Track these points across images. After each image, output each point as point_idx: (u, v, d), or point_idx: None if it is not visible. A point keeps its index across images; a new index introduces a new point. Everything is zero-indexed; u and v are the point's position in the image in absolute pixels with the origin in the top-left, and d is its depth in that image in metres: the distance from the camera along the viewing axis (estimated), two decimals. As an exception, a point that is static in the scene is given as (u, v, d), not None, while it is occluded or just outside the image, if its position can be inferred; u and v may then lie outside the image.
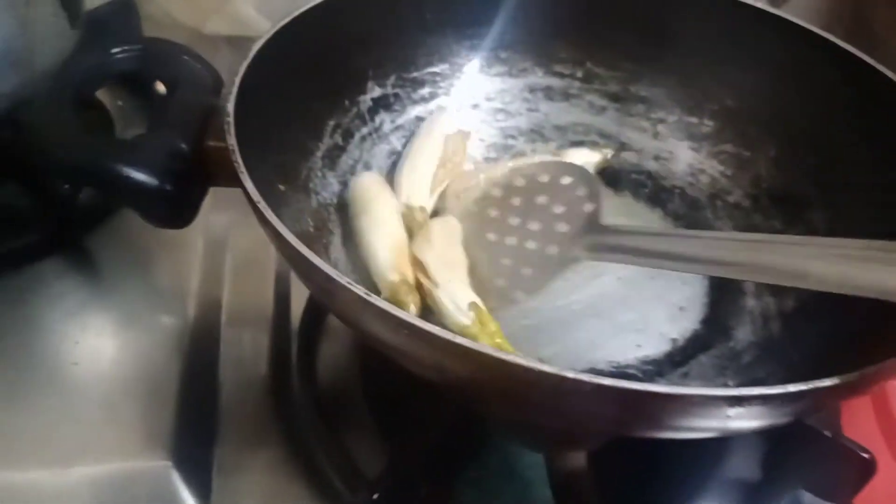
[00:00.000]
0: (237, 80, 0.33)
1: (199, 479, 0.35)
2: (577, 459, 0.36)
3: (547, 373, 0.23)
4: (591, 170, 0.44)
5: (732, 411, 0.24)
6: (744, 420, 0.25)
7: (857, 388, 0.26)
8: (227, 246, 0.45)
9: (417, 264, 0.37)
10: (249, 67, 0.34)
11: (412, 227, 0.39)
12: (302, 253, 0.26)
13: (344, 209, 0.40)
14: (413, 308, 0.35)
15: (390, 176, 0.42)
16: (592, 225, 0.37)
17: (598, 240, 0.36)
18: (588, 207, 0.38)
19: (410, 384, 0.34)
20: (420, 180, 0.41)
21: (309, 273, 0.27)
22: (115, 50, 0.36)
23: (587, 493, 0.35)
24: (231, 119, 0.31)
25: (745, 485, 0.37)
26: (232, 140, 0.30)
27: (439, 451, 0.36)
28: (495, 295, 0.37)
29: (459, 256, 0.38)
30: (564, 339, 0.37)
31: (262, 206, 0.28)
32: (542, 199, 0.39)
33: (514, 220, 0.39)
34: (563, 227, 0.38)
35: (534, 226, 0.39)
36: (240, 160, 0.29)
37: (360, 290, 0.25)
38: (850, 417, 0.41)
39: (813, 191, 0.40)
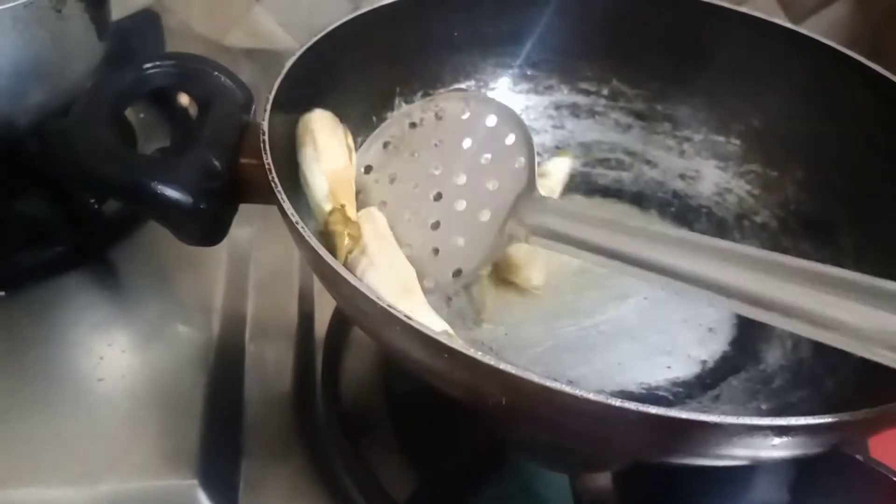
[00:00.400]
0: (271, 98, 0.33)
1: (226, 497, 0.35)
2: (602, 480, 0.36)
3: (591, 400, 0.23)
4: (565, 177, 0.43)
5: (778, 441, 0.23)
6: (786, 449, 0.25)
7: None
8: (251, 261, 0.45)
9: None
10: (282, 84, 0.34)
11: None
12: (339, 272, 0.26)
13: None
14: (348, 240, 0.33)
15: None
16: (530, 194, 0.34)
17: (542, 220, 0.33)
18: (520, 162, 0.35)
19: (436, 402, 0.33)
20: None
21: (345, 293, 0.27)
22: (147, 65, 0.36)
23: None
24: (266, 136, 0.31)
25: (771, 506, 0.37)
26: (268, 159, 0.30)
27: (463, 472, 0.36)
28: (425, 266, 0.34)
29: (407, 269, 0.34)
30: (592, 360, 0.36)
31: (301, 225, 0.28)
32: (466, 143, 0.36)
33: (436, 169, 0.36)
34: (492, 184, 0.35)
35: (460, 179, 0.36)
36: (276, 179, 0.29)
37: (399, 313, 0.25)
38: (876, 440, 0.41)
39: (842, 214, 0.39)
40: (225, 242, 0.42)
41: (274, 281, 0.44)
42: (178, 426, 0.36)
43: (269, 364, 0.40)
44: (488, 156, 0.36)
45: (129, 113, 0.51)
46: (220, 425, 0.37)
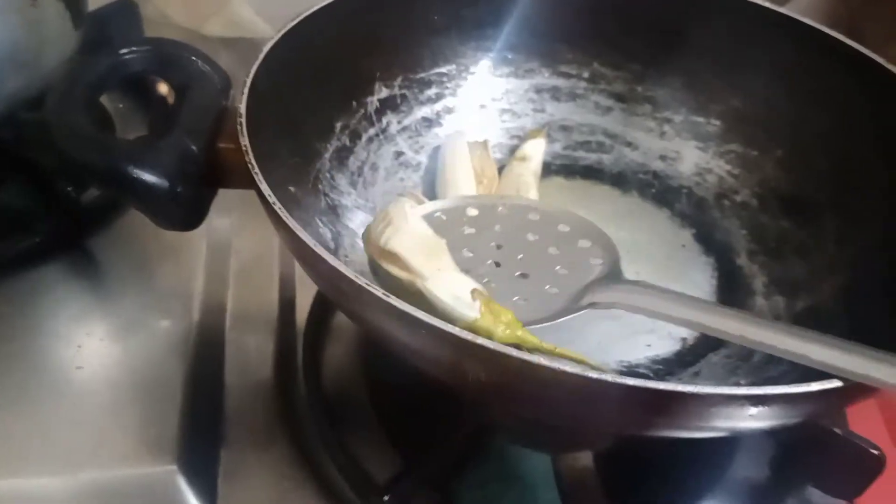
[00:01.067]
0: (248, 81, 0.33)
1: (205, 483, 0.35)
2: (584, 459, 0.36)
3: (568, 373, 0.23)
4: (542, 157, 0.43)
5: (755, 410, 0.24)
6: (764, 419, 0.25)
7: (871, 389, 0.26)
8: (231, 249, 0.45)
9: (390, 258, 0.32)
10: (260, 68, 0.34)
11: None
12: (319, 254, 0.26)
13: (353, 209, 0.39)
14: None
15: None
16: (611, 279, 0.33)
17: (622, 298, 0.32)
18: (596, 261, 0.34)
19: (417, 387, 0.33)
20: None
21: (325, 275, 0.27)
22: (123, 51, 0.36)
23: (595, 492, 0.35)
24: (243, 119, 0.31)
25: (754, 482, 0.38)
26: (245, 141, 0.30)
27: (446, 456, 0.36)
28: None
29: (435, 238, 0.33)
30: (574, 340, 0.36)
31: (278, 207, 0.27)
32: (531, 237, 0.35)
33: (493, 244, 0.35)
34: (562, 271, 0.34)
35: (523, 258, 0.34)
36: (254, 161, 0.29)
37: (377, 291, 0.25)
38: (855, 413, 0.41)
39: (823, 194, 0.40)
40: (204, 230, 0.42)
41: (254, 269, 0.44)
42: (157, 414, 0.36)
43: (250, 351, 0.40)
44: (555, 249, 0.35)
45: (107, 102, 0.51)
46: (200, 413, 0.37)
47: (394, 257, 0.31)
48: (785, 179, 0.42)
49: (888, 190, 0.37)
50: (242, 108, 0.32)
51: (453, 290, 0.31)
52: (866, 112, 0.39)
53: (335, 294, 0.29)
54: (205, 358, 0.39)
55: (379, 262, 0.32)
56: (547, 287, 0.33)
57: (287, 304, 0.42)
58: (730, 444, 0.38)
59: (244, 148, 0.30)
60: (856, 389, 0.24)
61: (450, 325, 0.24)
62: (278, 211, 0.27)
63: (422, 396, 0.36)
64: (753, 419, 0.25)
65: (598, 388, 0.23)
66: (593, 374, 0.23)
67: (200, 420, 0.36)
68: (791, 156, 0.42)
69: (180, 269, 0.42)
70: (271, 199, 0.28)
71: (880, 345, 0.27)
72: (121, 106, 0.51)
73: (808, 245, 0.39)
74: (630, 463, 0.37)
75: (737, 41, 0.43)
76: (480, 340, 0.23)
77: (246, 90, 0.32)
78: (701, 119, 0.45)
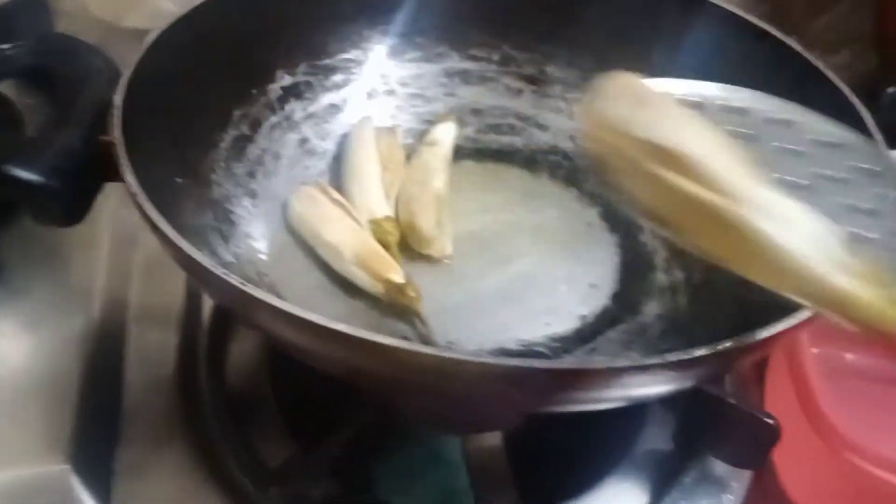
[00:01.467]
0: (127, 73, 0.32)
1: (101, 482, 0.34)
2: (493, 439, 0.36)
3: (423, 353, 0.23)
4: (453, 141, 0.43)
5: (616, 382, 0.24)
6: (638, 388, 0.26)
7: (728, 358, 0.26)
8: (138, 243, 0.44)
9: (662, 160, 0.20)
10: (143, 59, 0.34)
11: (387, 241, 0.38)
12: (180, 246, 0.26)
13: (249, 199, 0.39)
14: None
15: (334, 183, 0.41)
16: None
17: None
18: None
19: (321, 381, 0.33)
20: (372, 191, 0.40)
21: (191, 267, 0.27)
22: (5, 46, 0.35)
23: (502, 472, 0.35)
24: (118, 112, 0.31)
25: (657, 455, 0.38)
26: (117, 132, 0.30)
27: (351, 444, 0.36)
28: None
29: (727, 136, 0.23)
30: (475, 323, 0.36)
31: (141, 197, 0.27)
32: (777, 145, 0.27)
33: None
34: (853, 202, 0.24)
35: (781, 178, 0.24)
36: (122, 153, 0.29)
37: (234, 280, 0.25)
38: (767, 385, 0.42)
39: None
40: (108, 224, 0.41)
41: (160, 262, 0.43)
42: (52, 412, 0.35)
43: (153, 347, 0.40)
44: (821, 168, 0.26)
45: (17, 96, 0.49)
46: (97, 410, 0.36)
47: (672, 160, 0.20)
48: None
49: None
50: (118, 99, 0.31)
51: (811, 230, 0.20)
52: (776, 91, 0.39)
53: (203, 287, 0.28)
54: (104, 354, 0.38)
55: (638, 159, 0.21)
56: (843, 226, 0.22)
57: (193, 298, 0.42)
58: (635, 418, 0.39)
59: (114, 141, 0.29)
60: (714, 358, 0.25)
61: (319, 317, 0.23)
62: (140, 202, 0.27)
63: (325, 390, 0.36)
64: (626, 389, 0.25)
65: (455, 367, 0.23)
66: (445, 353, 0.23)
67: (97, 417, 0.36)
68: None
69: (82, 264, 0.41)
70: (134, 188, 0.27)
71: (769, 312, 0.27)
72: (30, 101, 0.50)
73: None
74: (539, 441, 0.37)
75: (648, 20, 0.43)
76: (344, 328, 0.23)
77: (124, 82, 0.32)
78: (611, 98, 0.45)
